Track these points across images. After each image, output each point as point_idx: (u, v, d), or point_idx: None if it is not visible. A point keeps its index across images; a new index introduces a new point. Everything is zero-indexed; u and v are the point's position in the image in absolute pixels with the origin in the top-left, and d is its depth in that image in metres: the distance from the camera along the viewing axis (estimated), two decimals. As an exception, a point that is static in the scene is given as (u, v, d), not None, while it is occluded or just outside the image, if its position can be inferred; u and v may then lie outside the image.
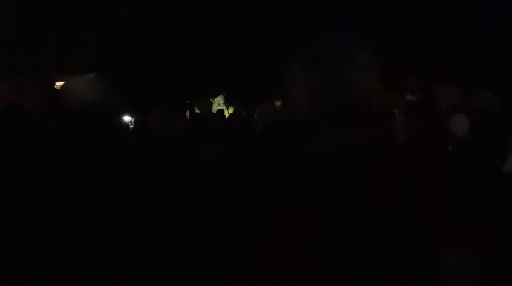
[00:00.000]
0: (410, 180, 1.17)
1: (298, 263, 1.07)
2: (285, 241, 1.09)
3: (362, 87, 1.17)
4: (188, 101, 7.16)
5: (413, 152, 1.21)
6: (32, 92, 2.16)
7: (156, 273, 1.30)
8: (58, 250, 1.47)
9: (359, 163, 1.20)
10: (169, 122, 4.05)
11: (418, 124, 3.87)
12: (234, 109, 10.36)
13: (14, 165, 1.62)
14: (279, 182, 1.16)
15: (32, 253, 1.47)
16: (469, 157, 2.90)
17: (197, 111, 7.57)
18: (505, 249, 1.19)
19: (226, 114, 10.51)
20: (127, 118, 5.74)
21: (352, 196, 1.12)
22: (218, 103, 13.00)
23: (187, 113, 7.66)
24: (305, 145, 1.20)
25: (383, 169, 1.18)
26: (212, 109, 10.13)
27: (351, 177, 1.16)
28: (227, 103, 12.22)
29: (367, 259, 1.10)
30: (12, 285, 1.40)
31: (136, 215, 1.43)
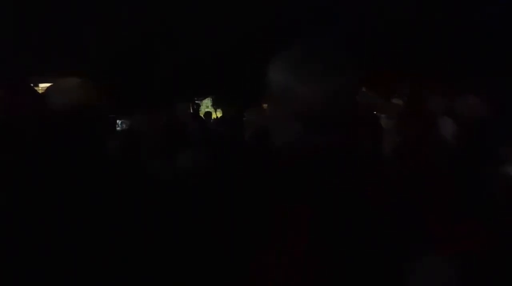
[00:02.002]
0: (410, 180, 1.20)
1: (298, 263, 1.09)
2: (285, 241, 1.11)
3: (346, 93, 1.19)
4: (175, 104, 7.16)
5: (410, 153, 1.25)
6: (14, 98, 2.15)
7: (155, 273, 1.32)
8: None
9: (358, 162, 1.23)
10: (156, 124, 4.04)
11: (407, 128, 3.92)
12: (223, 112, 10.36)
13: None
14: (279, 182, 1.18)
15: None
16: (462, 159, 2.96)
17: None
18: (505, 249, 1.23)
19: (214, 116, 10.50)
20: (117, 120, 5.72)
21: (352, 196, 1.15)
22: (206, 105, 12.98)
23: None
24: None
25: (383, 168, 1.21)
26: (200, 112, 10.13)
27: (351, 177, 1.18)
28: (215, 105, 12.17)
29: (367, 259, 1.12)
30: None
31: (134, 216, 1.45)
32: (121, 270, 1.40)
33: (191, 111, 8.55)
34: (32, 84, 2.38)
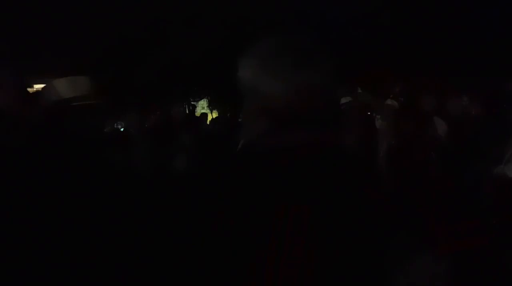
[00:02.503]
0: (410, 180, 1.20)
1: (298, 263, 1.10)
2: (285, 241, 1.11)
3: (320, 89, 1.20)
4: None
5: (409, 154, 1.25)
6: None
7: (155, 274, 1.32)
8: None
9: (357, 162, 1.24)
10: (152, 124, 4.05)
11: (403, 129, 3.93)
12: (219, 113, 10.37)
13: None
14: (278, 181, 1.18)
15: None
16: (457, 159, 2.97)
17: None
18: (505, 249, 1.24)
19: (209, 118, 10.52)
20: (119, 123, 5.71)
21: (352, 196, 1.15)
22: (201, 106, 13.00)
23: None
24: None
25: (382, 168, 1.21)
26: (196, 113, 10.15)
27: (350, 177, 1.19)
28: (211, 106, 12.19)
29: (367, 259, 1.12)
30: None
31: (132, 216, 1.45)
32: (120, 270, 1.40)
33: (187, 112, 8.58)
34: (28, 84, 2.37)
